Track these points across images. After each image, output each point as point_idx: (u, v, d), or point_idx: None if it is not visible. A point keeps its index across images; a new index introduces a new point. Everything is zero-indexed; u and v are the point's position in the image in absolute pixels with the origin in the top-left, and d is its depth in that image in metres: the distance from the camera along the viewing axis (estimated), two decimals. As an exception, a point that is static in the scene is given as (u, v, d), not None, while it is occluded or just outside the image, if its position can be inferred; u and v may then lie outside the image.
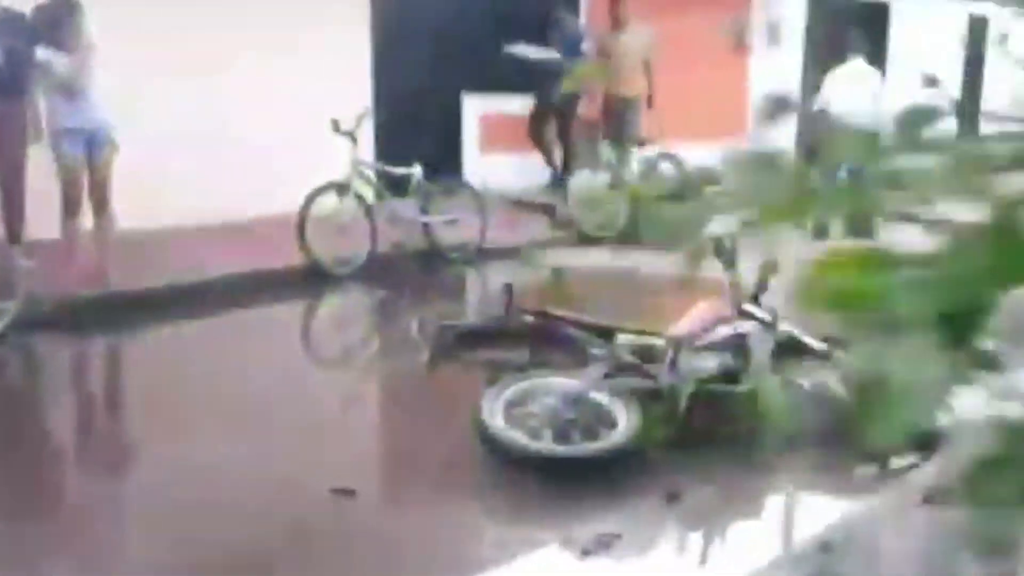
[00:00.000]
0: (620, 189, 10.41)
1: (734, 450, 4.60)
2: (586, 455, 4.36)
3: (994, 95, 15.87)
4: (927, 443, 3.90)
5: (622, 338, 4.95)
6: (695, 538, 4.11)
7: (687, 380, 4.67)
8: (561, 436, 4.44)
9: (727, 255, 5.24)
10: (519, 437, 4.39)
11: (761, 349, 4.82)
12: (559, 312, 5.21)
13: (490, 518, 4.30)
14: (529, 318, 5.04)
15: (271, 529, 3.90)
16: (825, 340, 5.10)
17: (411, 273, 8.84)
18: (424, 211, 9.05)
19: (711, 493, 4.36)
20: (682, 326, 5.05)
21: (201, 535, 3.84)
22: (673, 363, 4.80)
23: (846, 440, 4.57)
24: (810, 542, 3.64)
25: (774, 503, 4.49)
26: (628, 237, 10.12)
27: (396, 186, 9.11)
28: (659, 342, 4.92)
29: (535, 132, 11.50)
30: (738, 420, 4.78)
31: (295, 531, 3.86)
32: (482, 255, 9.26)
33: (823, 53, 12.49)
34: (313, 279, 8.16)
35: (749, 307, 5.04)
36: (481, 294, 8.91)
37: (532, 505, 4.24)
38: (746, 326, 4.90)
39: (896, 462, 4.55)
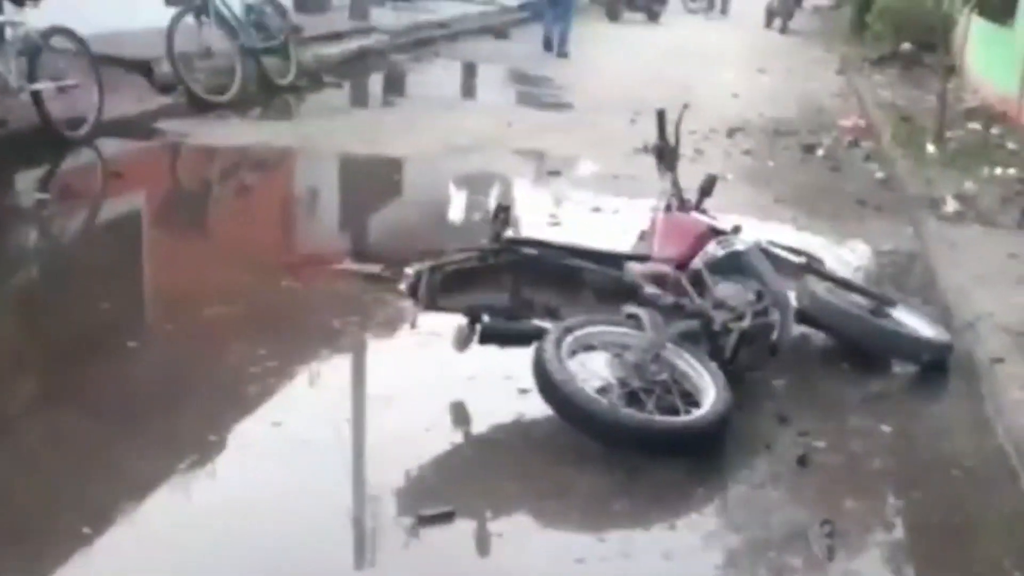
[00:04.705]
0: (234, 41, 8.70)
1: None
2: (702, 424, 3.56)
3: None
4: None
5: (635, 268, 4.12)
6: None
7: (740, 315, 4.04)
8: (662, 405, 3.59)
9: (668, 157, 4.64)
10: (626, 409, 3.47)
11: (766, 269, 4.32)
12: (551, 240, 4.19)
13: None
14: (525, 249, 3.97)
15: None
16: (797, 252, 4.73)
17: (25, 162, 6.53)
18: (32, 76, 6.75)
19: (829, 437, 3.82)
20: (664, 247, 4.34)
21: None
22: (702, 294, 4.11)
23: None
24: None
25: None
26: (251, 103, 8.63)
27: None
28: (667, 269, 4.18)
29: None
30: (771, 354, 4.27)
31: None
32: (101, 131, 7.22)
33: None
34: None
35: (709, 219, 4.48)
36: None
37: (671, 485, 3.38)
38: (735, 243, 4.35)
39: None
